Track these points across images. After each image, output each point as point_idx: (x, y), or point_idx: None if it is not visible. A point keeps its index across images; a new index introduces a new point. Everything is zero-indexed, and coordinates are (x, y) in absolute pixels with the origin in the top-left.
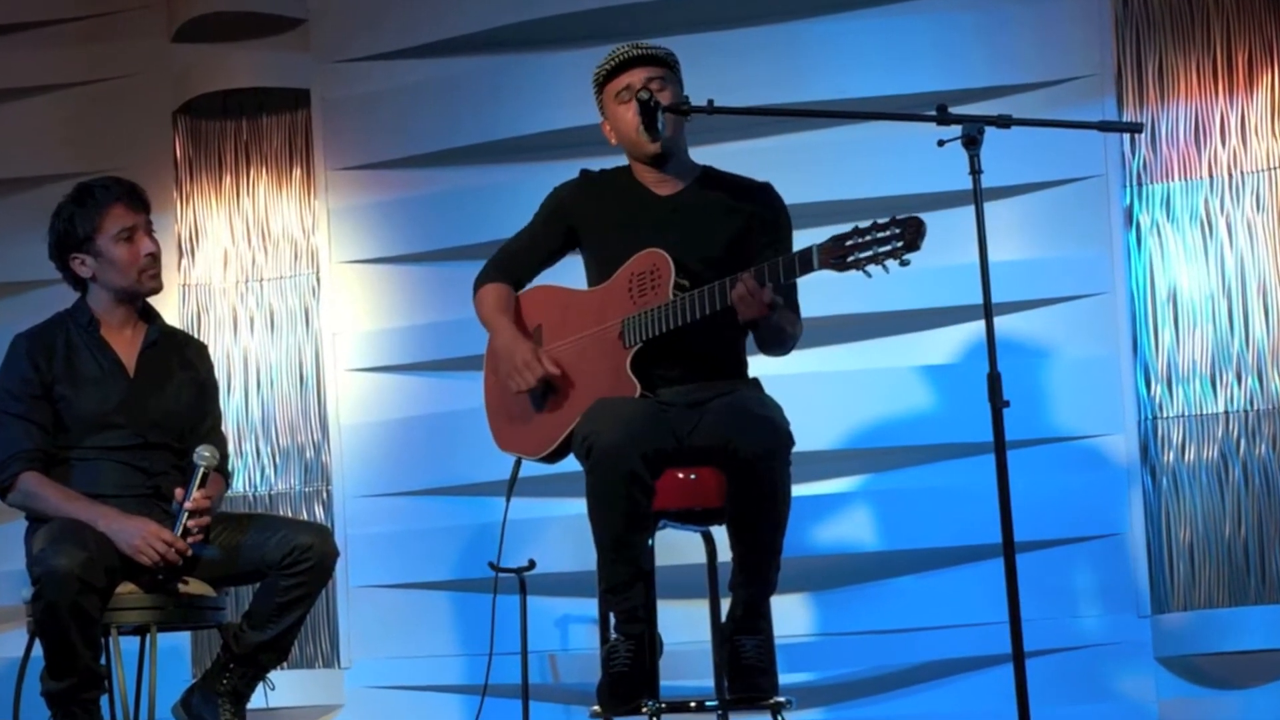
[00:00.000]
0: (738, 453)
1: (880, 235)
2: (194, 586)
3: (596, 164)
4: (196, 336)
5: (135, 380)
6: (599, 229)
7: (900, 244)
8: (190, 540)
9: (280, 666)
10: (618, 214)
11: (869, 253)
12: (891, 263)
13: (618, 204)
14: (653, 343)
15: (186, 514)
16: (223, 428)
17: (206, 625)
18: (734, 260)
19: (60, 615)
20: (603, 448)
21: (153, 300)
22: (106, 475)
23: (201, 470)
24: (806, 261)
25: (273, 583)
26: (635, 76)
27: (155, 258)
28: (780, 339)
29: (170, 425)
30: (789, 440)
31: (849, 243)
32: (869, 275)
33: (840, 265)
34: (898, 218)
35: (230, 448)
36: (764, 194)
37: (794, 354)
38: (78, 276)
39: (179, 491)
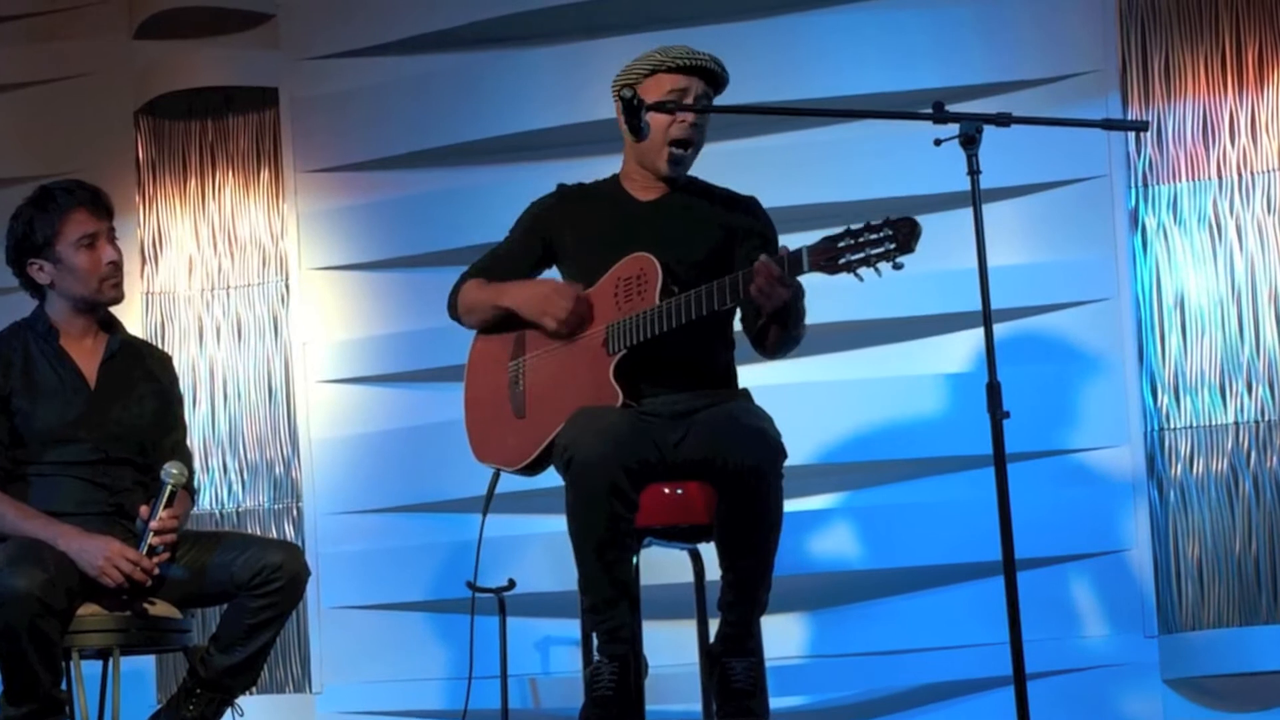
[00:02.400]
0: (728, 466)
1: (873, 237)
2: (159, 608)
3: (577, 164)
4: (160, 347)
5: (96, 392)
6: (579, 239)
7: (893, 245)
8: (156, 559)
9: (249, 692)
10: (598, 222)
11: (860, 255)
12: (884, 265)
13: (598, 212)
14: (638, 351)
15: (152, 533)
16: (188, 442)
17: (172, 648)
18: (717, 268)
19: (19, 638)
20: (583, 459)
21: (114, 309)
22: (67, 492)
23: (169, 488)
24: (796, 263)
25: (241, 604)
26: (695, 85)
27: (117, 266)
28: (798, 336)
29: (133, 439)
30: (781, 453)
31: (840, 244)
32: (860, 279)
33: (831, 268)
34: (891, 218)
35: (196, 463)
36: (750, 207)
37: (785, 363)
38: (36, 283)
39: (144, 509)
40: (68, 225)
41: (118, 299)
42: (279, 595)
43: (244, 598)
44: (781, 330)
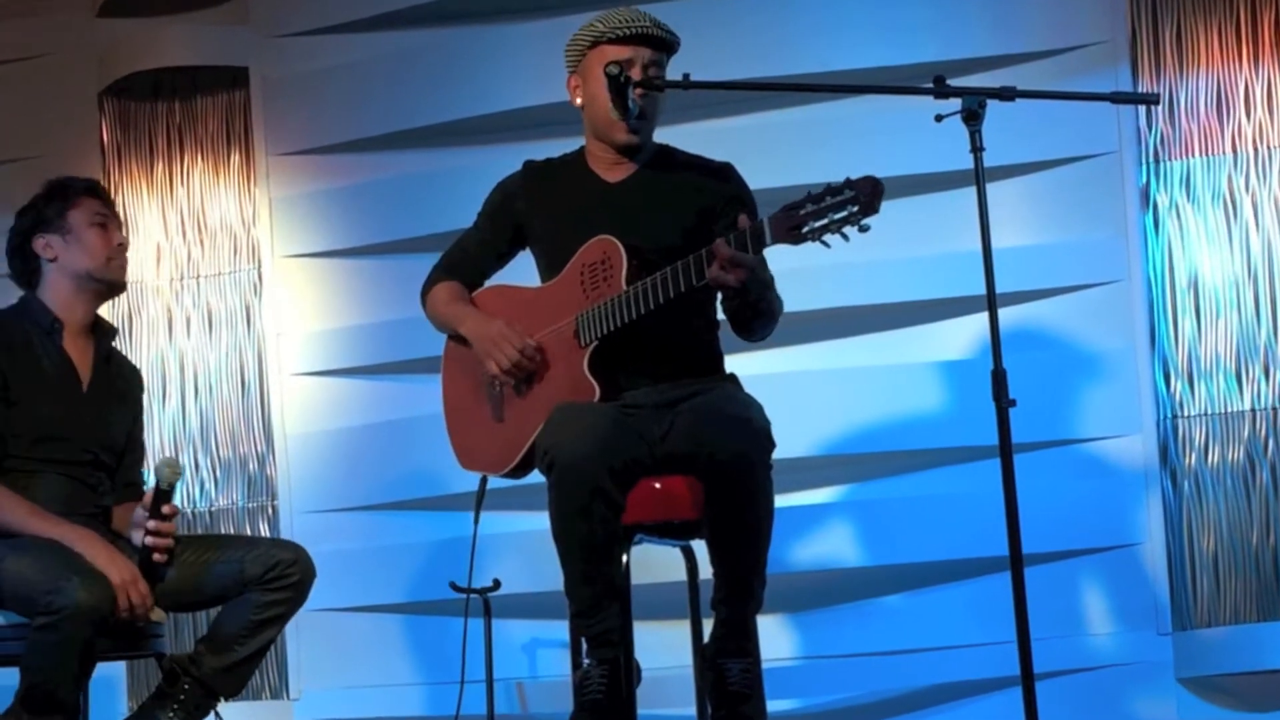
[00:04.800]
0: (712, 457)
1: (835, 200)
2: None
3: (563, 145)
4: (133, 362)
5: (87, 394)
6: (547, 222)
7: (856, 208)
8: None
9: (232, 699)
10: (565, 204)
11: (824, 220)
12: (851, 230)
13: (565, 193)
14: (612, 339)
15: (147, 535)
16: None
17: (144, 654)
18: (692, 246)
19: (70, 652)
20: (565, 463)
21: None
22: (56, 489)
23: (162, 488)
24: (759, 237)
25: (248, 599)
26: (642, 53)
27: (124, 248)
28: (771, 309)
29: (113, 447)
30: (768, 442)
31: (802, 211)
32: (828, 245)
33: (795, 237)
34: (851, 179)
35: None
36: (725, 174)
37: (778, 351)
38: (33, 267)
39: (147, 497)
40: (81, 204)
41: (121, 283)
42: (291, 591)
43: (253, 593)
44: (754, 308)
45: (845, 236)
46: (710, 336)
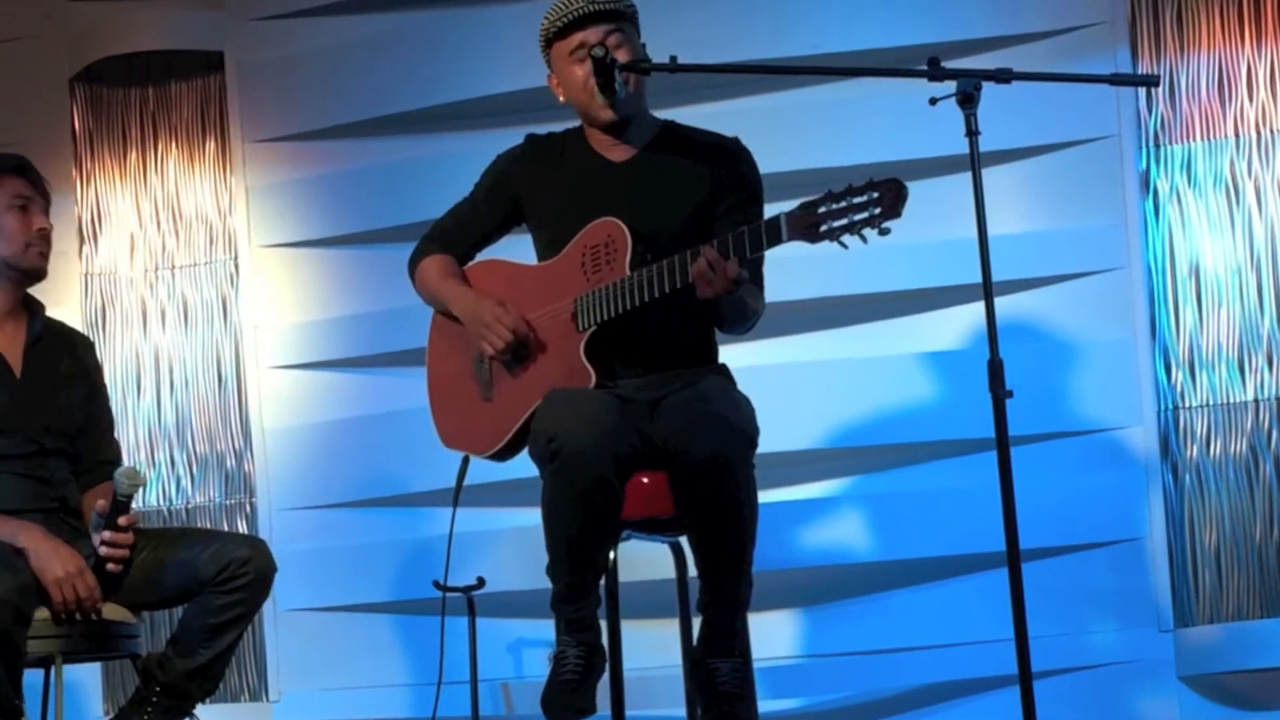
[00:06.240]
0: (688, 457)
1: (856, 201)
2: (110, 611)
3: (549, 130)
4: (81, 331)
5: (22, 381)
6: (547, 201)
7: (878, 210)
8: (109, 568)
9: (207, 699)
10: (568, 183)
11: (844, 221)
12: (870, 232)
13: (568, 172)
14: (611, 325)
15: (104, 546)
16: (114, 433)
17: (119, 655)
18: (699, 230)
19: None
20: (572, 451)
21: (53, 293)
22: (5, 488)
23: (120, 498)
24: (775, 232)
25: (205, 602)
26: (591, 34)
27: (46, 235)
28: (742, 315)
29: (64, 429)
30: (745, 441)
31: (821, 210)
32: (845, 246)
33: (813, 236)
34: (874, 180)
35: (141, 456)
36: (731, 151)
37: (774, 341)
38: None
39: (101, 503)
40: (3, 184)
41: (41, 271)
42: (246, 592)
43: (209, 595)
44: (715, 310)
45: (864, 238)
46: (708, 326)
